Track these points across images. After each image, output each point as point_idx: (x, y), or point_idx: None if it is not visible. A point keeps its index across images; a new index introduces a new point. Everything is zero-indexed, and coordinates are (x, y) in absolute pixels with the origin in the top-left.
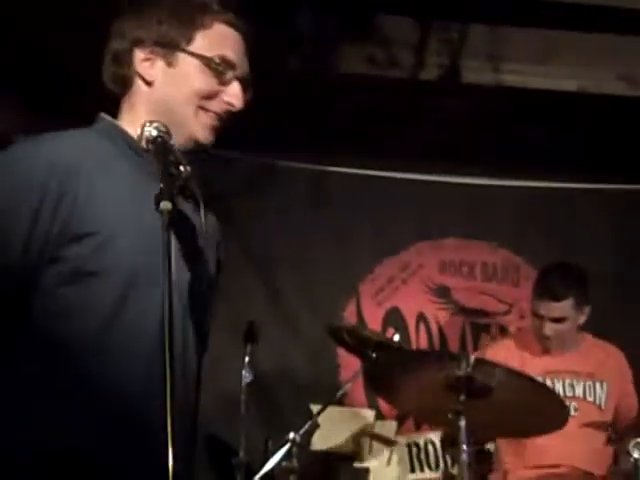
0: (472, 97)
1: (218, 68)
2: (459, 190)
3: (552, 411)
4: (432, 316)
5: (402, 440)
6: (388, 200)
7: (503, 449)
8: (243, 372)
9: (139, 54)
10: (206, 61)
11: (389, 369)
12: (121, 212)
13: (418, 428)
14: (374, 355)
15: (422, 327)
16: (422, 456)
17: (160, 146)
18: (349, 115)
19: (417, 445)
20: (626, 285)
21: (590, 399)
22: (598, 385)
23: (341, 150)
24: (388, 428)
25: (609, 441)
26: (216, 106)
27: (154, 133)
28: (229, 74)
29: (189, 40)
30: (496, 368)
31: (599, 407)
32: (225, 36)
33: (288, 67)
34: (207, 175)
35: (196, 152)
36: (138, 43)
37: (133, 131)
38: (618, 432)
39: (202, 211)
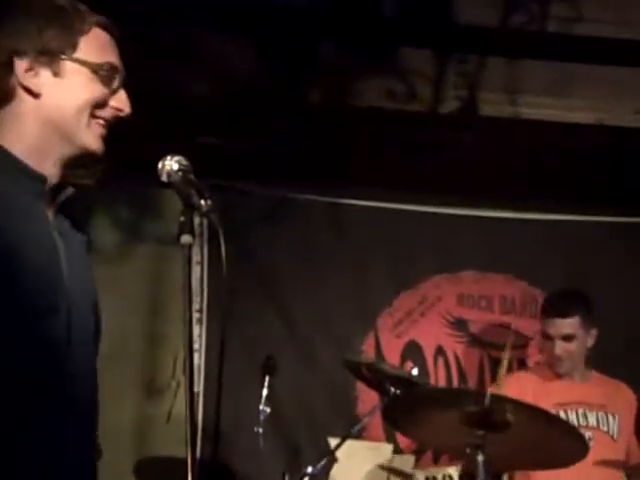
0: (489, 130)
1: (107, 75)
2: (476, 223)
3: (570, 443)
4: (450, 349)
5: (420, 474)
6: (405, 233)
7: None
8: (261, 406)
9: (21, 64)
10: (94, 67)
11: (408, 404)
12: (4, 249)
13: (436, 462)
14: (393, 390)
15: (440, 360)
16: None
17: (181, 180)
18: (367, 148)
19: (435, 479)
20: None
21: (604, 429)
22: (610, 416)
23: (358, 183)
24: (406, 462)
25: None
26: (106, 113)
27: (175, 167)
28: (116, 80)
29: (74, 47)
30: (512, 403)
31: (612, 437)
32: (105, 40)
33: (307, 99)
34: (225, 208)
35: (87, 163)
36: (18, 53)
37: (15, 149)
38: (630, 470)
39: (222, 245)
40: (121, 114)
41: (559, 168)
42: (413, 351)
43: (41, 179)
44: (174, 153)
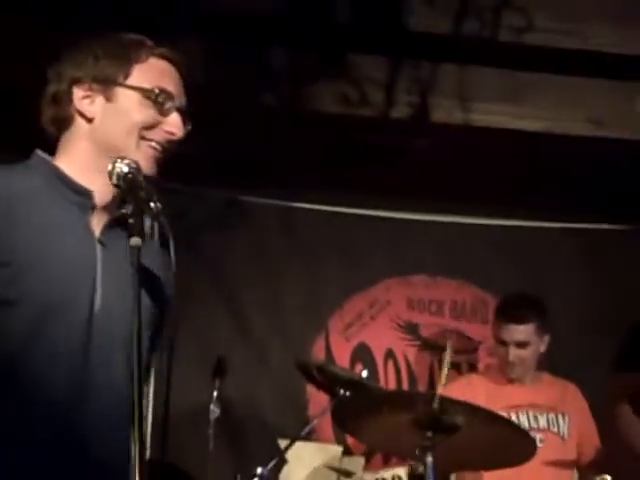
0: (441, 136)
1: (157, 99)
2: (428, 227)
3: (519, 444)
4: (400, 352)
5: (369, 476)
6: (357, 237)
7: None
8: (211, 407)
9: (78, 92)
10: (145, 93)
11: (357, 407)
12: (40, 243)
13: (386, 464)
14: (343, 392)
15: (390, 363)
16: None
17: (131, 182)
18: (319, 152)
19: None
20: (593, 325)
21: (554, 430)
22: (560, 417)
23: (310, 186)
24: (355, 464)
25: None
26: (157, 135)
27: (125, 169)
28: (168, 104)
29: (126, 75)
30: (461, 406)
31: (562, 438)
32: (161, 69)
33: (259, 103)
34: (176, 211)
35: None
36: (76, 82)
37: (69, 168)
38: (581, 470)
39: (172, 248)
40: (172, 137)
41: (510, 174)
42: (363, 354)
43: (85, 192)
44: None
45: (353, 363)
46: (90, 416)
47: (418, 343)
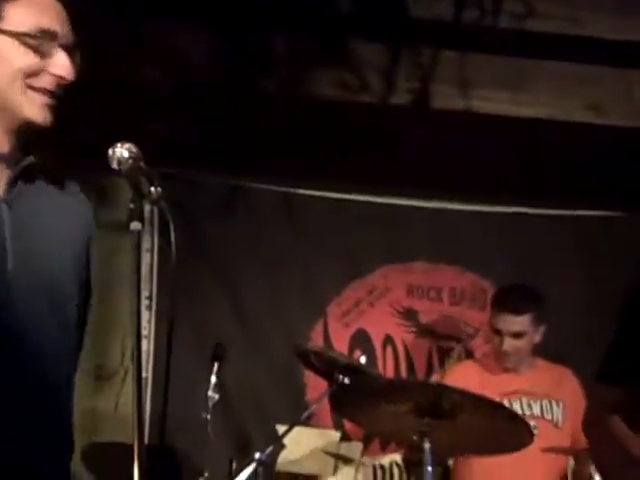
0: (441, 122)
1: (37, 42)
2: (427, 214)
3: (516, 431)
4: (399, 339)
5: (367, 461)
6: (356, 223)
7: (460, 469)
8: (209, 392)
9: None
10: (22, 38)
11: (355, 393)
12: None
13: (384, 449)
14: (341, 378)
15: (389, 349)
16: (387, 477)
17: (131, 167)
18: (320, 138)
19: (382, 467)
20: (591, 313)
21: (548, 417)
22: (554, 404)
23: (311, 173)
24: (354, 449)
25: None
26: (45, 82)
27: (125, 154)
28: (50, 46)
29: (0, 17)
30: (458, 393)
31: (556, 425)
32: (40, 4)
33: (260, 90)
34: (176, 197)
35: (35, 135)
36: None
37: None
38: (577, 456)
39: (172, 234)
40: (62, 81)
41: (510, 161)
42: (361, 340)
43: None
44: (125, 140)
45: (352, 349)
46: (20, 370)
47: (416, 329)
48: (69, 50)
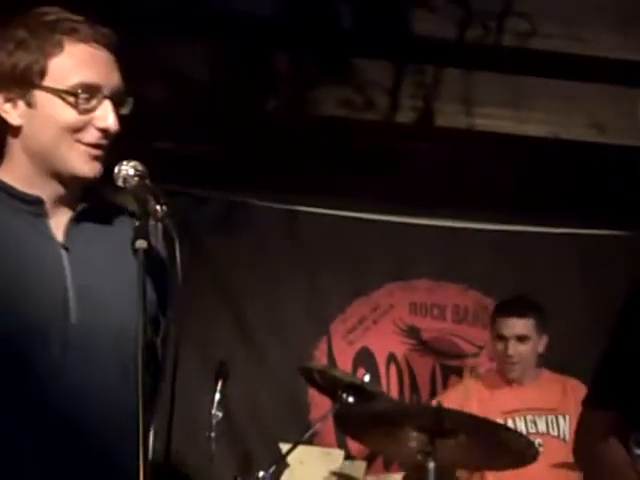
0: (444, 141)
1: (78, 98)
2: (431, 232)
3: (520, 449)
4: (402, 357)
5: None
6: (360, 241)
7: None
8: (213, 410)
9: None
10: (63, 94)
11: (359, 412)
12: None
13: (387, 468)
14: (345, 396)
15: (392, 368)
16: None
17: (137, 185)
18: (324, 156)
19: None
20: (592, 332)
21: (554, 433)
22: (561, 419)
23: (315, 190)
24: (357, 468)
25: None
26: (90, 137)
27: (131, 172)
28: (93, 101)
29: (42, 73)
30: (461, 416)
31: (564, 440)
32: (81, 57)
33: (264, 107)
34: (180, 214)
35: (88, 185)
36: None
37: (13, 178)
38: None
39: (178, 251)
40: (107, 134)
41: (514, 180)
42: (365, 358)
43: (37, 200)
44: (130, 158)
45: (355, 367)
46: (85, 423)
47: (420, 347)
48: (116, 98)
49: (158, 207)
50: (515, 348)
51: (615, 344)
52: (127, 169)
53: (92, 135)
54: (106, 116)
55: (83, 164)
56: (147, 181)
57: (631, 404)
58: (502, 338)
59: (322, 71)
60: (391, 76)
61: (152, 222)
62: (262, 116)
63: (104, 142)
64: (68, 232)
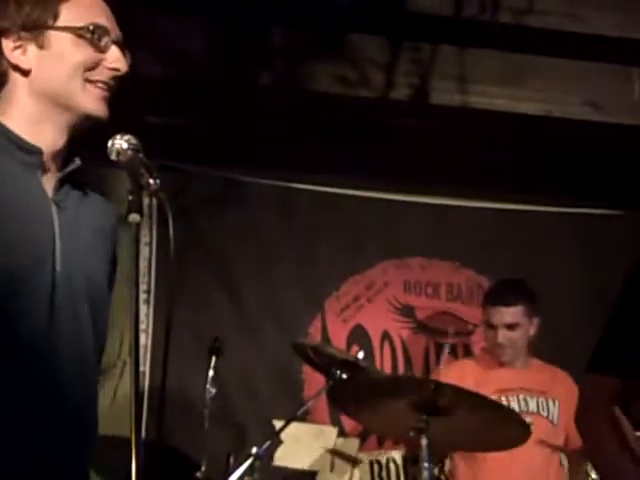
0: (439, 118)
1: (93, 36)
2: (425, 210)
3: (512, 428)
4: (396, 335)
5: (364, 457)
6: (355, 218)
7: (458, 466)
8: (207, 386)
9: (7, 44)
10: (78, 32)
11: (353, 388)
12: None
13: (380, 446)
14: (339, 373)
15: (386, 345)
16: (384, 474)
17: (131, 159)
18: (318, 132)
19: (379, 463)
20: (589, 312)
21: (544, 414)
22: (550, 402)
23: (309, 167)
24: (350, 445)
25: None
26: (102, 75)
27: (125, 146)
28: (104, 40)
29: (55, 16)
30: (455, 390)
31: (552, 422)
32: (90, 3)
33: (258, 83)
34: (174, 189)
35: (95, 127)
36: (3, 33)
37: (14, 124)
38: (570, 456)
39: (171, 226)
40: (118, 73)
41: (508, 157)
42: (359, 335)
43: (36, 151)
44: (124, 132)
45: (349, 345)
46: (60, 368)
47: (414, 325)
48: (120, 45)
49: (151, 181)
50: (505, 335)
51: (620, 312)
52: (121, 142)
53: (103, 74)
54: (117, 56)
55: (93, 102)
56: (141, 155)
57: (636, 371)
58: (492, 326)
59: (317, 47)
60: (386, 53)
61: (146, 196)
62: (256, 91)
63: (112, 83)
64: (56, 189)
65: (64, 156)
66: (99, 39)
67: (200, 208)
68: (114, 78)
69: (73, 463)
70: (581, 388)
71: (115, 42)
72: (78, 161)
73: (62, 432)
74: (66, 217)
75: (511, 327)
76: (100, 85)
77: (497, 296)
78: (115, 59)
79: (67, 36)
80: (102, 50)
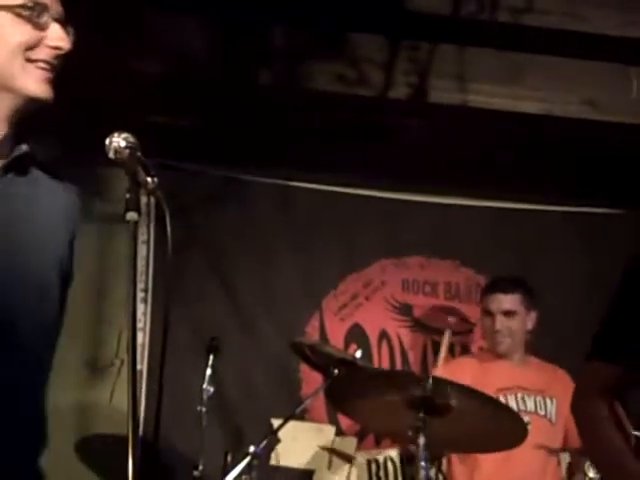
0: (438, 117)
1: (32, 13)
2: (424, 208)
3: (510, 427)
4: (394, 334)
5: (362, 456)
6: (354, 217)
7: (456, 467)
8: (204, 385)
9: None
10: (16, 10)
11: (351, 386)
12: None
13: (378, 445)
14: (336, 372)
15: (384, 344)
16: (381, 473)
17: (128, 157)
18: (317, 131)
19: (377, 462)
20: (590, 311)
21: (541, 413)
22: (548, 400)
23: (308, 166)
24: (348, 444)
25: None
26: (43, 54)
27: (122, 144)
28: (44, 17)
29: None
30: (454, 387)
31: (550, 421)
32: None
33: (258, 82)
34: (173, 188)
35: (39, 110)
36: None
37: None
38: (573, 454)
39: (168, 225)
40: (60, 52)
41: (508, 156)
42: (357, 334)
43: None
44: (123, 131)
45: (347, 344)
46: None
47: (412, 324)
48: (61, 22)
49: (149, 179)
50: (502, 323)
51: (620, 301)
52: (118, 141)
53: (45, 52)
54: (59, 34)
55: (36, 83)
56: (138, 153)
57: (635, 359)
58: (489, 313)
59: (316, 46)
60: (385, 52)
61: (144, 195)
62: (256, 90)
63: (55, 62)
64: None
65: (11, 143)
66: (38, 16)
67: (199, 206)
68: (57, 57)
69: (11, 467)
70: (579, 376)
71: (56, 19)
72: (25, 147)
73: None
74: (7, 206)
75: (508, 314)
76: (42, 65)
77: (495, 285)
78: (57, 37)
79: (4, 15)
80: (42, 28)
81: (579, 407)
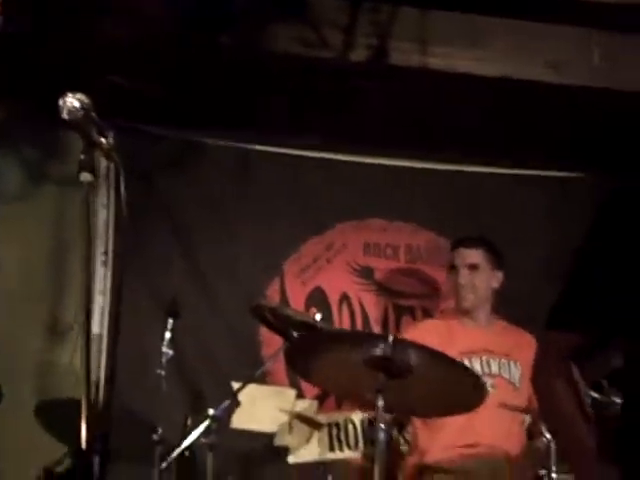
0: (399, 79)
1: None
2: (384, 171)
3: (471, 389)
4: (355, 297)
5: (322, 419)
6: (313, 180)
7: (420, 430)
8: (163, 348)
9: None
10: None
11: (310, 348)
12: None
13: (339, 407)
14: (296, 335)
15: (345, 308)
16: (342, 436)
17: (82, 117)
18: (278, 94)
19: (337, 425)
20: (552, 275)
21: (506, 376)
22: (512, 364)
23: (268, 129)
24: (308, 407)
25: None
26: None
27: (76, 104)
28: None
29: None
30: (414, 348)
31: (514, 385)
32: None
33: (218, 44)
34: (134, 151)
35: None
36: None
37: None
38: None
39: (123, 186)
40: None
41: (469, 120)
42: (318, 298)
43: None
44: (83, 91)
45: (308, 307)
46: None
47: (373, 287)
48: None
49: (103, 139)
50: (466, 277)
51: (579, 270)
52: (72, 101)
53: None
54: None
55: None
56: (92, 114)
57: (591, 326)
58: (454, 268)
59: (277, 8)
60: (346, 14)
61: (103, 157)
62: (217, 53)
63: None
64: None
65: None
66: None
67: (159, 170)
68: None
69: None
70: (538, 348)
71: None
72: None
73: None
74: None
75: (472, 267)
76: None
77: (459, 241)
78: None
79: None
80: None
81: (539, 382)
